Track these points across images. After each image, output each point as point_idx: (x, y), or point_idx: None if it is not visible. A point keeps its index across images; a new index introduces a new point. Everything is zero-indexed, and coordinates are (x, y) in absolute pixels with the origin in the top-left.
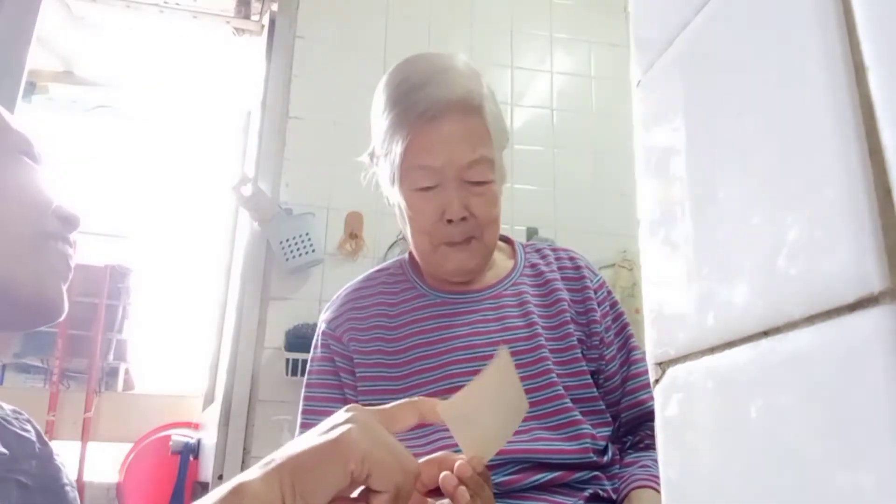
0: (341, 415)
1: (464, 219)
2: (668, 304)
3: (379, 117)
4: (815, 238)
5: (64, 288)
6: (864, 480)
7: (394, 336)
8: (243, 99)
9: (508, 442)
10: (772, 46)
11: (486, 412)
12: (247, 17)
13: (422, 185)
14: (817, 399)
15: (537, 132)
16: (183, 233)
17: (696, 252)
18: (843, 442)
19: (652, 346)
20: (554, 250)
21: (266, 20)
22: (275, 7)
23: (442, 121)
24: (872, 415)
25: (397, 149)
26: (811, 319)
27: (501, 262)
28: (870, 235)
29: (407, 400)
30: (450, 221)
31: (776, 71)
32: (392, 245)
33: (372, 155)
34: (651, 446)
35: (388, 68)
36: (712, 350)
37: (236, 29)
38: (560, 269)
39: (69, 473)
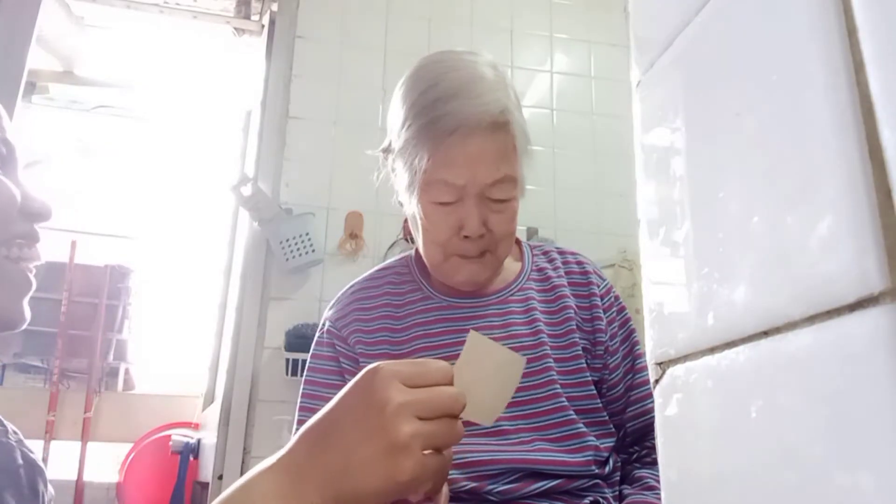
0: (393, 418)
1: (480, 235)
2: (668, 304)
3: (400, 122)
4: (815, 238)
5: (25, 300)
6: (864, 480)
7: (399, 339)
8: (243, 99)
9: (509, 452)
10: (771, 46)
11: (477, 385)
12: (247, 17)
13: (442, 200)
14: (817, 399)
15: (537, 132)
16: (183, 233)
17: (696, 252)
18: (843, 442)
19: (652, 346)
20: (561, 253)
21: (266, 20)
22: (275, 7)
23: (470, 139)
24: (872, 415)
25: (420, 162)
26: (811, 319)
27: (509, 264)
28: (870, 235)
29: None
30: (466, 237)
31: (776, 71)
32: (392, 245)
33: (387, 150)
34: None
35: (388, 68)
36: (712, 350)
37: (236, 29)
38: (567, 273)
39: (29, 451)
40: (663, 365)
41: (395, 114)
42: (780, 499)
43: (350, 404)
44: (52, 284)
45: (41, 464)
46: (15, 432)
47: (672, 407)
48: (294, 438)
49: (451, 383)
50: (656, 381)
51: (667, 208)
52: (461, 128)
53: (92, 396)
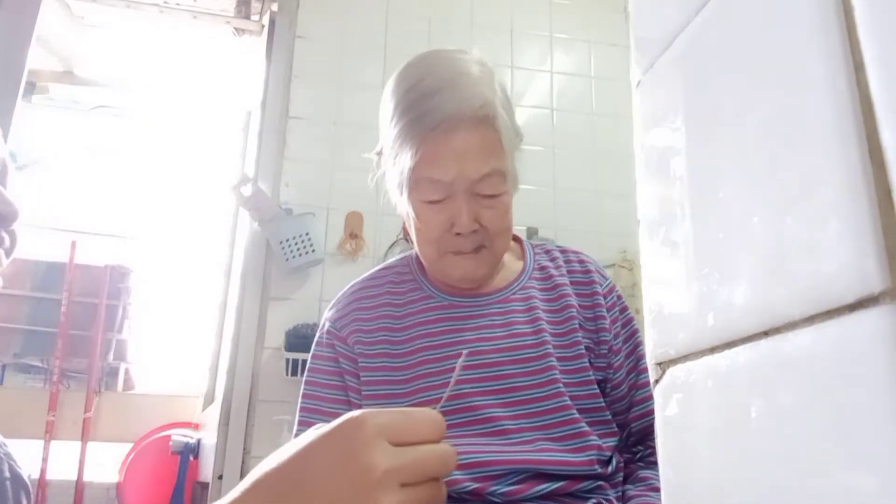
0: (377, 487)
1: (474, 231)
2: (668, 304)
3: (388, 121)
4: (815, 238)
5: None
6: (865, 480)
7: (400, 338)
8: (243, 99)
9: (512, 452)
10: (772, 46)
11: None
12: (247, 17)
13: (431, 198)
14: (817, 399)
15: (537, 132)
16: (183, 233)
17: (696, 252)
18: (843, 442)
19: (652, 346)
20: (563, 252)
21: (266, 20)
22: (275, 7)
23: (454, 134)
24: (872, 415)
25: (406, 160)
26: (811, 319)
27: (510, 263)
28: (870, 235)
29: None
30: (458, 234)
31: (776, 71)
32: (392, 245)
33: (380, 154)
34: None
35: (388, 68)
36: (712, 350)
37: (236, 29)
38: (569, 272)
39: (16, 466)
40: (663, 365)
41: (383, 114)
42: (780, 499)
43: (326, 461)
44: (52, 284)
45: (26, 479)
46: (4, 444)
47: (672, 407)
48: (245, 485)
49: (441, 434)
50: (656, 381)
51: (667, 208)
52: (443, 123)
53: (92, 396)
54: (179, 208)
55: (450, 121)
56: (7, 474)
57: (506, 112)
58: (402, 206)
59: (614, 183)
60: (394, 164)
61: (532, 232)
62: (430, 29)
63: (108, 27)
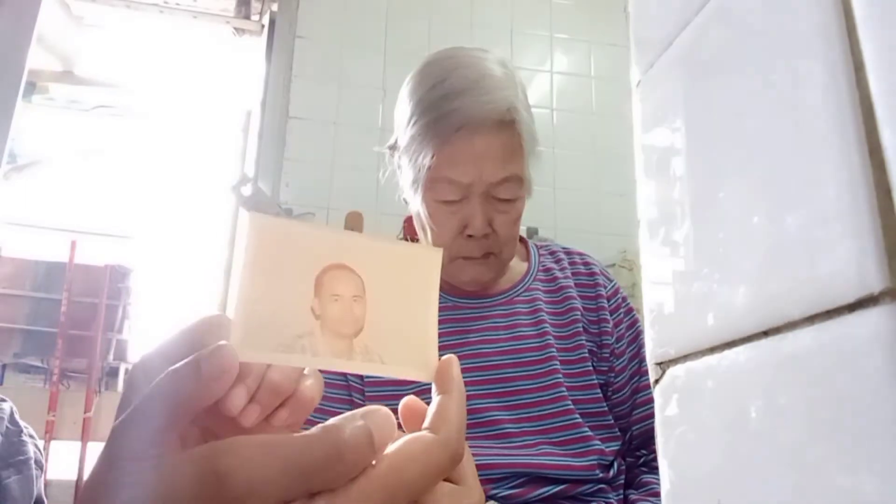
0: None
1: (485, 235)
2: (668, 304)
3: (406, 118)
4: (815, 238)
5: None
6: (865, 480)
7: None
8: (243, 99)
9: (514, 455)
10: (772, 46)
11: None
12: (247, 17)
13: (447, 199)
14: (817, 399)
15: (537, 132)
16: (183, 233)
17: (696, 252)
18: (843, 442)
19: (652, 346)
20: (568, 253)
21: (266, 20)
22: (275, 7)
23: (475, 137)
24: (872, 415)
25: (425, 159)
26: (811, 319)
27: (515, 264)
28: (870, 235)
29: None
30: (470, 237)
31: (776, 71)
32: None
33: (393, 147)
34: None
35: (388, 68)
36: (712, 350)
37: (236, 29)
38: (574, 274)
39: (38, 452)
40: (663, 365)
41: (402, 110)
42: (780, 499)
43: None
44: (52, 284)
45: (43, 462)
46: (33, 435)
47: (672, 407)
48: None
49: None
50: (656, 381)
51: (667, 208)
52: (467, 125)
53: (92, 396)
54: (179, 208)
55: (472, 123)
56: (31, 454)
57: (527, 114)
58: (415, 204)
59: (614, 183)
60: (410, 161)
61: (532, 232)
62: (430, 29)
63: (108, 27)
